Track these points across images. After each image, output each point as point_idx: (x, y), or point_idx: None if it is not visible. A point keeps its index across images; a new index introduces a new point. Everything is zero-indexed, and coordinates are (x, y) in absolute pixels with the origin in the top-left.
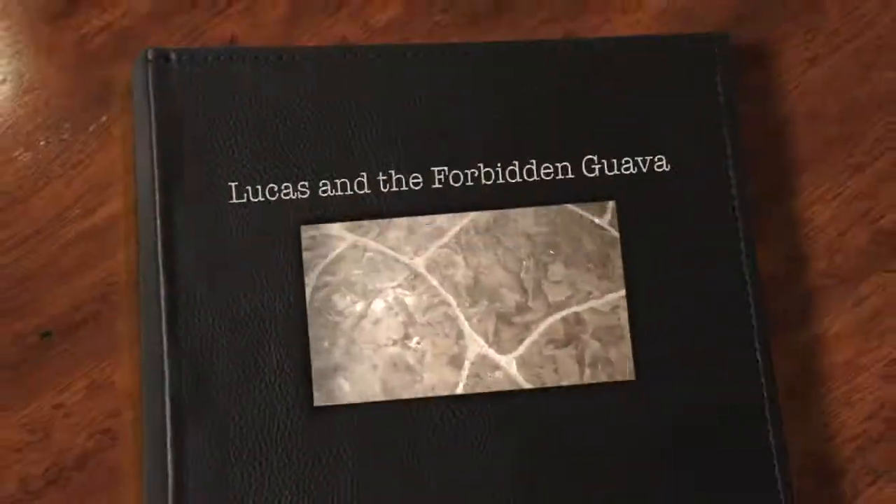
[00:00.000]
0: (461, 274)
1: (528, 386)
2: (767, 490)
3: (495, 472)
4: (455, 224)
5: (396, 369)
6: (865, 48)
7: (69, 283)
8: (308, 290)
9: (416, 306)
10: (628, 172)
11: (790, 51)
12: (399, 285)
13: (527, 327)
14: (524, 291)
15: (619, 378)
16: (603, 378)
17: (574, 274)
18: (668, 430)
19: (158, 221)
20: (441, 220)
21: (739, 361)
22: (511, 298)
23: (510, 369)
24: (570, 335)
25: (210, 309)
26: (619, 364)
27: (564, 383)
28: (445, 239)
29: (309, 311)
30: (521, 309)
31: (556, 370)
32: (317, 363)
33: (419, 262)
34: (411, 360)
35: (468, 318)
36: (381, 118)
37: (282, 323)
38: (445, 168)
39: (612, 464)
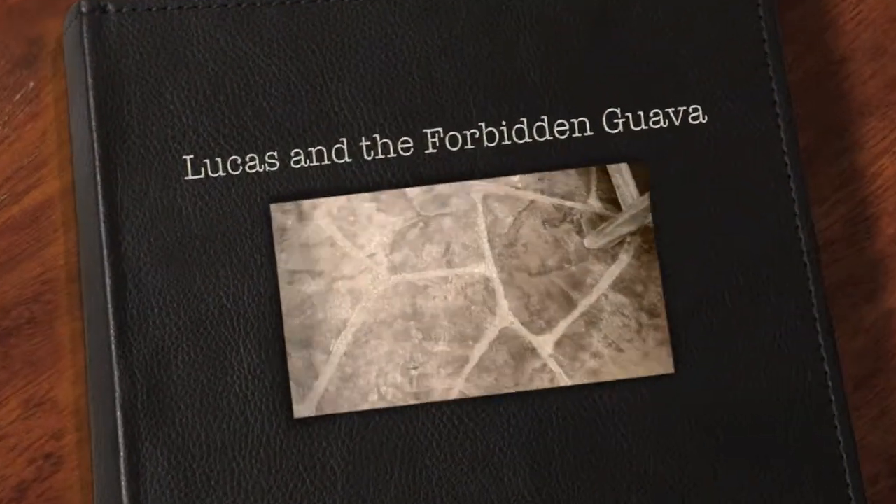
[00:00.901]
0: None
1: (549, 384)
2: (836, 495)
3: (512, 487)
4: (455, 196)
5: (393, 370)
6: None
7: None
8: (282, 281)
9: (414, 294)
10: (658, 127)
11: None
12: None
13: (549, 322)
14: (541, 273)
15: (654, 372)
16: (635, 372)
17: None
18: (712, 430)
19: (101, 205)
20: (438, 191)
21: (796, 345)
22: (529, 281)
23: (534, 362)
24: (592, 325)
25: (166, 306)
26: (654, 355)
27: (589, 380)
28: (444, 211)
29: (284, 305)
30: (544, 294)
31: (579, 364)
32: (296, 367)
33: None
34: (411, 358)
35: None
36: (362, 74)
37: (252, 320)
38: (440, 130)
39: (647, 472)
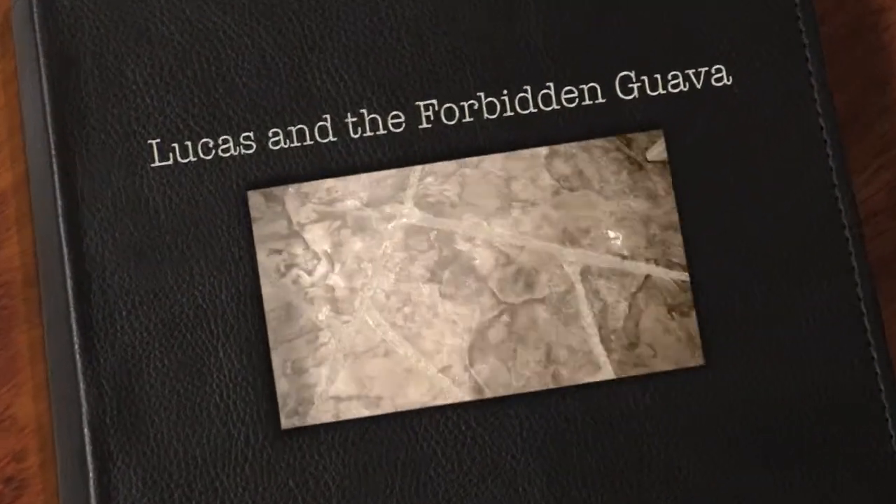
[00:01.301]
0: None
1: (566, 381)
2: (890, 501)
3: (527, 498)
4: (453, 176)
5: (391, 372)
6: None
7: None
8: (263, 275)
9: (412, 288)
10: (678, 91)
11: None
12: (384, 258)
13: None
14: (551, 259)
15: (682, 364)
16: (661, 366)
17: (611, 233)
18: (748, 428)
19: (59, 198)
20: (434, 170)
21: (839, 331)
22: (537, 271)
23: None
24: (610, 311)
25: (136, 309)
26: (682, 346)
27: (611, 376)
28: (441, 191)
29: (267, 303)
30: (554, 283)
31: (600, 358)
32: (282, 372)
33: (402, 231)
34: (410, 357)
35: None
36: (346, 43)
37: (232, 321)
38: (434, 102)
39: (676, 477)
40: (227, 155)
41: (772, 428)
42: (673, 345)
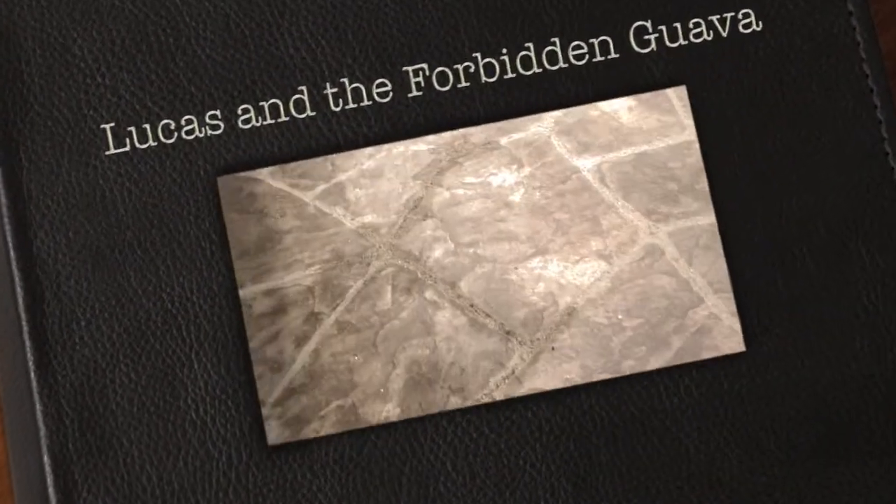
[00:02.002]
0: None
1: (593, 376)
2: None
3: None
4: (448, 151)
5: (339, 319)
6: None
7: None
8: (240, 273)
9: (409, 280)
10: (700, 41)
11: None
12: (374, 249)
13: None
14: (569, 244)
15: (720, 352)
16: (699, 353)
17: (631, 206)
18: (792, 419)
19: (2, 195)
20: (427, 144)
21: (893, 312)
22: (545, 258)
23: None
24: (640, 294)
25: (96, 318)
26: (720, 331)
27: (640, 368)
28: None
29: (245, 304)
30: (567, 271)
31: (629, 349)
32: (266, 381)
33: (399, 216)
34: (413, 360)
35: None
36: (321, 4)
37: (207, 327)
38: (425, 66)
39: (717, 475)
40: (192, 137)
41: (821, 418)
42: (712, 329)
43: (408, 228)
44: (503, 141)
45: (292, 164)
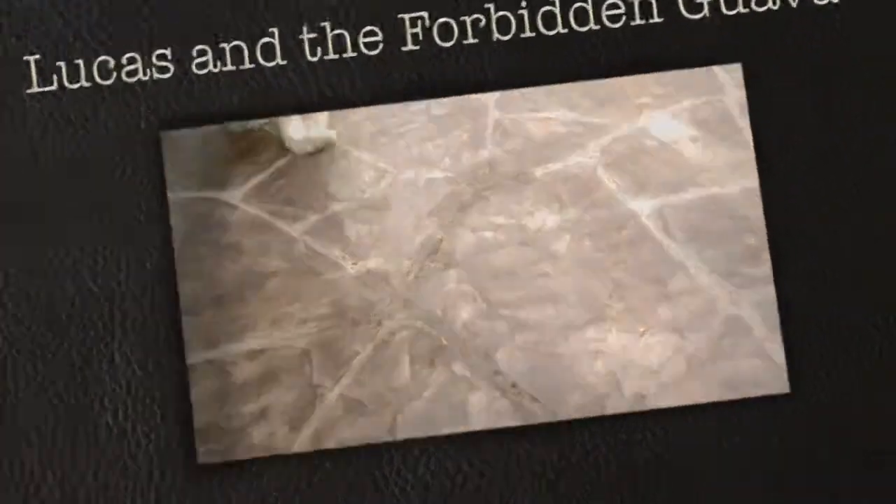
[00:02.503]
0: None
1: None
2: None
3: None
4: (469, 181)
5: (345, 395)
6: None
7: None
8: (179, 251)
9: (431, 347)
10: (765, 9)
11: None
12: (384, 305)
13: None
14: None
15: (765, 392)
16: (743, 392)
17: (705, 267)
18: (839, 462)
19: None
20: (443, 171)
21: None
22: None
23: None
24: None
25: (0, 294)
26: (764, 370)
27: (676, 403)
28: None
29: (182, 293)
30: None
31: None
32: (200, 389)
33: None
34: (374, 372)
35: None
36: None
37: (134, 311)
38: (425, 15)
39: None
40: (135, 80)
41: (869, 463)
42: (756, 368)
43: (426, 279)
44: (538, 172)
45: (272, 188)
